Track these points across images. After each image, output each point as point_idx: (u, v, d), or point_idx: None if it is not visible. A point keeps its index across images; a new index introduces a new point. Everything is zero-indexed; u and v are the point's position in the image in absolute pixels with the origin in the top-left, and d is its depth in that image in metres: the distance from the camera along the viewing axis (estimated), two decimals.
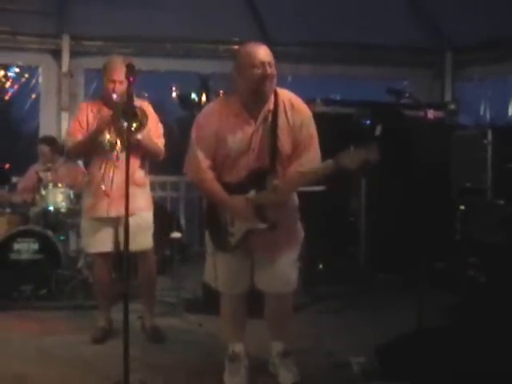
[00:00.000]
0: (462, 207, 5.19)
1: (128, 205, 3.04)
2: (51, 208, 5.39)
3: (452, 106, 6.38)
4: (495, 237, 4.69)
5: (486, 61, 6.96)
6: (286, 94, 3.29)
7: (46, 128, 6.94)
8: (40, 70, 7.20)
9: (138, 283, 4.41)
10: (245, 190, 3.22)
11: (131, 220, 4.00)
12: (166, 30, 6.93)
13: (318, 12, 6.86)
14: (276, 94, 3.24)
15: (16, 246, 5.19)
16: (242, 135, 3.22)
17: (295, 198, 3.42)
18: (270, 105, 3.22)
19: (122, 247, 3.96)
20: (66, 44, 6.95)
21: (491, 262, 4.69)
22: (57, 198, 5.39)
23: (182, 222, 7.17)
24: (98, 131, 4.04)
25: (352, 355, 3.65)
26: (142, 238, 4.15)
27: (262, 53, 3.14)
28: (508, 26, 6.18)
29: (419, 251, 3.60)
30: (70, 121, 6.87)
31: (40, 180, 5.52)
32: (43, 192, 5.39)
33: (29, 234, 5.27)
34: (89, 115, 4.15)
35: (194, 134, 3.33)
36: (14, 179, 6.14)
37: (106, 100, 4.14)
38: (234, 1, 7.01)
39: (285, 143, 3.22)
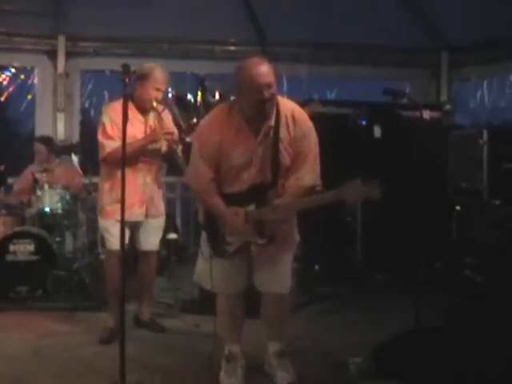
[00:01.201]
0: (458, 207, 5.19)
1: (124, 206, 3.03)
2: (47, 209, 5.37)
3: (447, 107, 6.38)
4: (491, 237, 4.70)
5: (482, 61, 6.97)
6: (287, 106, 3.26)
7: (41, 129, 6.92)
8: (36, 70, 7.19)
9: (138, 282, 4.42)
10: (245, 203, 3.21)
11: (157, 221, 4.32)
12: (162, 30, 6.91)
13: (315, 13, 6.85)
14: (277, 106, 3.20)
15: (12, 248, 5.18)
16: (244, 150, 3.20)
17: None
18: (271, 121, 3.19)
19: (140, 246, 4.32)
20: (61, 45, 6.93)
21: (488, 262, 4.69)
22: (53, 199, 5.37)
23: (178, 222, 7.15)
24: (149, 143, 4.12)
25: (349, 355, 3.65)
26: (157, 239, 4.40)
27: (262, 75, 3.05)
28: (504, 27, 6.19)
29: (416, 251, 3.61)
30: (66, 121, 6.92)
31: (36, 181, 5.50)
32: (39, 193, 5.37)
33: (25, 235, 5.26)
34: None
35: (196, 143, 3.30)
36: (10, 180, 6.11)
37: (139, 104, 4.14)
38: (231, 1, 7.00)
39: (286, 156, 3.22)
